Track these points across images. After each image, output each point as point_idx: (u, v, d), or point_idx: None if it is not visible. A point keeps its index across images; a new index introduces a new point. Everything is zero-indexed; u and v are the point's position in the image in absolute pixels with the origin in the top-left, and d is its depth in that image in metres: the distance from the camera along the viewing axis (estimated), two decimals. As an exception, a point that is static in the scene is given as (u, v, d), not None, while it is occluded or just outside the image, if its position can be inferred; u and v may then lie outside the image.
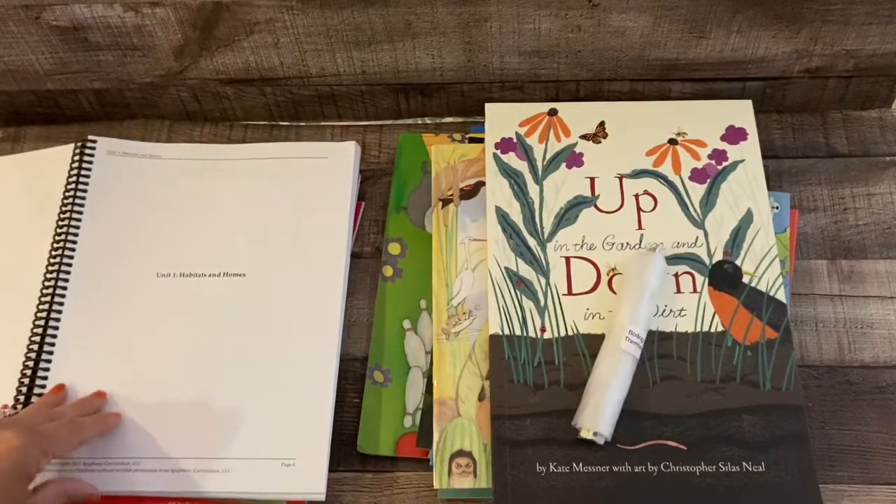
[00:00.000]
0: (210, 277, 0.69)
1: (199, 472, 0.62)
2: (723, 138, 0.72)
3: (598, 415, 0.60)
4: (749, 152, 0.71)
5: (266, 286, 0.68)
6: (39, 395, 0.65)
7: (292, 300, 0.68)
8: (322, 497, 0.61)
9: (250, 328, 0.67)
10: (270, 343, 0.66)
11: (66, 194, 0.72)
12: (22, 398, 0.64)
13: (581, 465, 0.60)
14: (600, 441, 0.60)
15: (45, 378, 0.65)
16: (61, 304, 0.68)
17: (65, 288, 0.68)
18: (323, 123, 0.81)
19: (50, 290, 0.68)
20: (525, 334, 0.64)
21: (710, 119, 0.73)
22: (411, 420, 0.65)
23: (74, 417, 0.61)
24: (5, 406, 0.64)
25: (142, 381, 0.65)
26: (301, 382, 0.65)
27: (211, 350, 0.66)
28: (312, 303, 0.68)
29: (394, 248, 0.72)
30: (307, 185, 0.73)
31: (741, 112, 0.73)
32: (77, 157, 0.74)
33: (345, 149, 0.74)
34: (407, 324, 0.69)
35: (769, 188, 0.70)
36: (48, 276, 0.69)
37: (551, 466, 0.60)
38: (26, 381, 0.65)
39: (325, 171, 0.73)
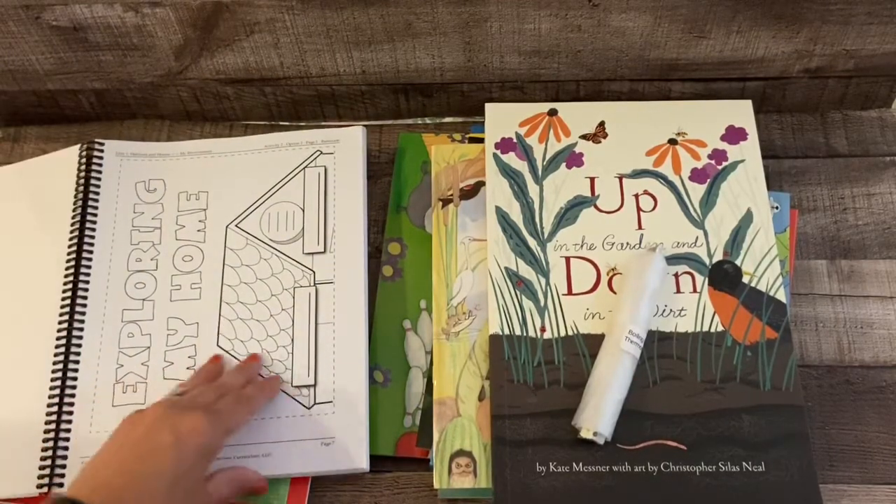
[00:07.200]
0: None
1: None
2: (723, 138, 0.72)
3: (598, 415, 0.60)
4: (749, 152, 0.71)
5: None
6: (70, 403, 0.64)
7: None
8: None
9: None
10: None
11: (77, 199, 0.72)
12: (55, 407, 0.64)
13: (581, 465, 0.60)
14: (600, 441, 0.60)
15: (74, 388, 0.65)
16: (84, 307, 0.68)
17: (86, 290, 0.68)
18: (323, 123, 0.81)
19: (69, 294, 0.68)
20: (525, 334, 0.64)
21: (709, 119, 0.73)
22: (411, 420, 0.65)
23: (240, 389, 0.61)
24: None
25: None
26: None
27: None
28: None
29: (394, 248, 0.72)
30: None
31: (741, 112, 0.73)
32: (84, 162, 0.73)
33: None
34: (407, 324, 0.69)
35: (769, 188, 0.70)
36: (66, 280, 0.68)
37: (551, 466, 0.60)
38: (56, 391, 0.65)
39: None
